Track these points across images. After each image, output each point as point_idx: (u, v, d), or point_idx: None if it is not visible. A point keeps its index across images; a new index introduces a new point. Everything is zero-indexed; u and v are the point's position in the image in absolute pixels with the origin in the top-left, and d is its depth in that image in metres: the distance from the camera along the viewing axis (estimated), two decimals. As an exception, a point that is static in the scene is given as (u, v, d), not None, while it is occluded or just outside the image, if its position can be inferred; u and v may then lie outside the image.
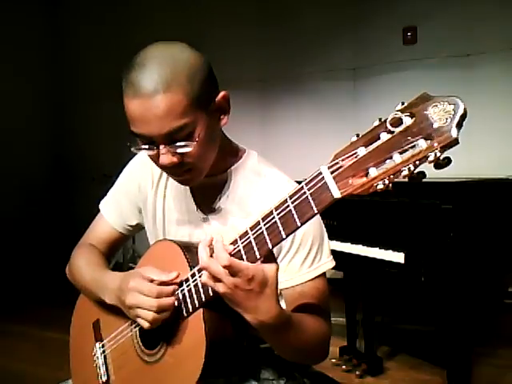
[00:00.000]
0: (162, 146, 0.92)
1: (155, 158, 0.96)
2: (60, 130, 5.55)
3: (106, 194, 1.27)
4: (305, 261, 1.01)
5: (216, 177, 1.07)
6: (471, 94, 3.40)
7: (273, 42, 4.47)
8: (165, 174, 1.16)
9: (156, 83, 0.88)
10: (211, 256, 0.82)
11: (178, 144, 0.92)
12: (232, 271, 0.78)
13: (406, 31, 3.94)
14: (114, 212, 1.23)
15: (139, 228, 1.25)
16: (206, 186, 1.08)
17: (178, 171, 0.98)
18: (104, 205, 1.25)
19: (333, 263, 1.05)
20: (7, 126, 4.85)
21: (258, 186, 1.06)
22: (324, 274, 1.04)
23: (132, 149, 0.98)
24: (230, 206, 1.07)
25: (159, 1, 5.01)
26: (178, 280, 0.94)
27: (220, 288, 0.80)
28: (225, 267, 0.78)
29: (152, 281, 0.94)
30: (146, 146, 0.94)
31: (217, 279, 0.80)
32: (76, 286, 1.20)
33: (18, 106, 5.01)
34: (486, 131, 3.52)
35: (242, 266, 0.78)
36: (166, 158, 0.93)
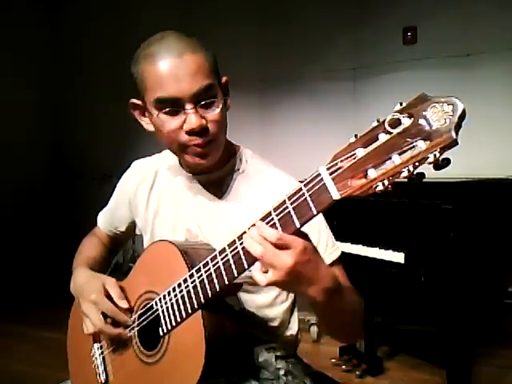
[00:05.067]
0: (190, 106, 0.94)
1: (177, 130, 0.96)
2: (60, 130, 5.55)
3: (106, 194, 1.33)
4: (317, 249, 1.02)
5: (216, 172, 1.08)
6: (471, 94, 3.39)
7: (273, 42, 4.47)
8: (158, 179, 1.18)
9: (183, 45, 0.95)
10: None
11: (206, 102, 0.95)
12: (283, 245, 0.75)
13: (405, 31, 3.93)
14: (105, 219, 1.32)
15: (130, 233, 1.31)
16: (206, 182, 1.09)
17: (202, 140, 0.97)
18: (101, 212, 1.33)
19: (340, 250, 1.06)
20: (7, 126, 4.85)
21: (258, 181, 1.07)
22: (338, 259, 1.05)
23: (158, 115, 0.97)
24: (228, 202, 1.08)
25: (160, 1, 5.01)
26: (127, 307, 1.04)
27: (279, 275, 0.75)
28: (277, 240, 0.74)
29: (110, 296, 1.04)
30: (171, 111, 0.95)
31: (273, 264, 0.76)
32: None
33: (18, 106, 5.01)
34: (486, 131, 3.51)
35: (291, 237, 0.75)
36: (195, 118, 0.94)
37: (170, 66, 0.93)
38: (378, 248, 2.20)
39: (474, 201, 2.19)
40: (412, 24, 3.89)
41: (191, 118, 0.94)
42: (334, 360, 2.65)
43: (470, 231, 2.08)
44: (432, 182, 2.23)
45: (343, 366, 2.60)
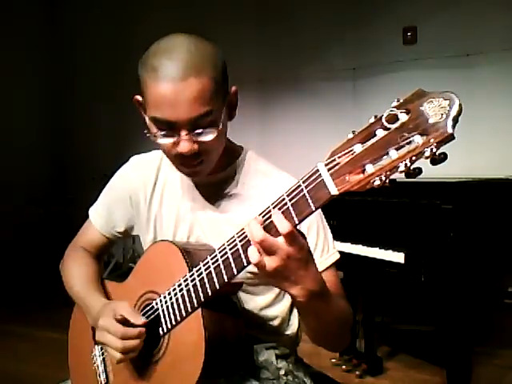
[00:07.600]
0: (184, 133, 0.91)
1: (170, 147, 0.95)
2: (60, 130, 5.56)
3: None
4: (314, 253, 1.01)
5: (218, 174, 1.07)
6: (471, 94, 3.40)
7: (273, 42, 4.48)
8: (160, 176, 1.15)
9: (187, 67, 0.88)
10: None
11: (202, 130, 0.92)
12: (290, 240, 0.75)
13: (405, 31, 3.94)
14: (103, 218, 1.22)
15: (127, 235, 1.24)
16: (208, 184, 1.08)
17: (192, 162, 0.96)
18: (93, 211, 1.25)
19: (338, 255, 1.05)
20: (7, 126, 4.86)
21: (261, 183, 1.07)
22: (334, 264, 1.04)
23: (149, 135, 0.95)
24: (231, 204, 1.07)
25: (159, 1, 5.02)
26: (142, 322, 0.95)
27: (273, 263, 0.76)
28: (286, 235, 0.74)
29: (123, 319, 0.96)
30: (165, 133, 0.93)
31: (269, 253, 0.76)
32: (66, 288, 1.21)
33: (18, 106, 5.02)
34: (486, 131, 3.52)
35: (297, 234, 0.76)
36: (187, 144, 0.92)
37: (171, 89, 0.88)
38: (378, 248, 2.20)
39: (474, 201, 2.19)
40: (412, 24, 3.90)
41: (183, 144, 0.92)
42: (334, 360, 2.64)
43: (470, 231, 2.08)
44: (432, 181, 2.24)
45: (343, 366, 2.59)
